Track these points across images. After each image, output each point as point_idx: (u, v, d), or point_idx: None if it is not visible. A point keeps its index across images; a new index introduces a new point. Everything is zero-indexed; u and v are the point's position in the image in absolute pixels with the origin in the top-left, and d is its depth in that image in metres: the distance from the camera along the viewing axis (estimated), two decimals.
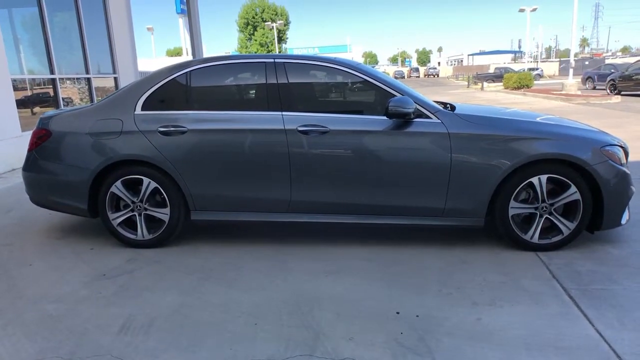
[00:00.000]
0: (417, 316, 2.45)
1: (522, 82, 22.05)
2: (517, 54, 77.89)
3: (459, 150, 3.14)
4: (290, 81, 3.35)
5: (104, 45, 9.98)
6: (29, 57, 7.77)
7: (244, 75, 3.52)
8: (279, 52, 43.64)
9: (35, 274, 3.15)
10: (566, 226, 3.19)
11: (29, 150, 3.62)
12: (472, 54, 74.93)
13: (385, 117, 3.16)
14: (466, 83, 33.81)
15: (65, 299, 2.79)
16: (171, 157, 3.34)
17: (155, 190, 3.40)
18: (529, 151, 3.10)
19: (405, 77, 66.23)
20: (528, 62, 51.55)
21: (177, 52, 54.01)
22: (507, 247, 3.31)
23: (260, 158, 3.28)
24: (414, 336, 2.26)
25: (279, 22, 39.62)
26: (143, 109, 3.43)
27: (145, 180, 3.39)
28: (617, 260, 3.05)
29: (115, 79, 10.33)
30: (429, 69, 68.00)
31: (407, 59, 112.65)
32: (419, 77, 66.10)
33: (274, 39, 41.48)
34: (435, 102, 4.14)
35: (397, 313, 2.49)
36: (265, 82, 3.36)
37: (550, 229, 3.24)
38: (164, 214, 3.44)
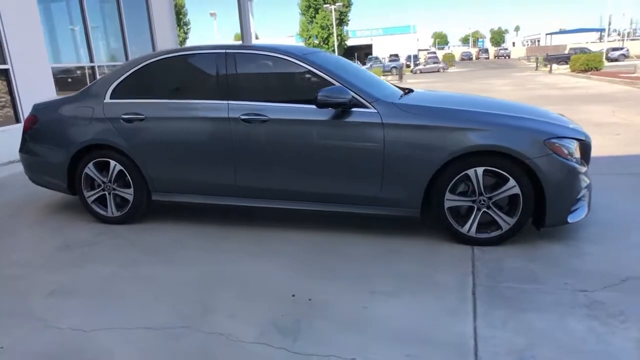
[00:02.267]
0: (310, 300, 2.56)
1: (590, 64, 20.33)
2: (603, 32, 71.37)
3: (392, 140, 3.14)
4: (237, 71, 3.50)
5: (145, 32, 10.57)
6: (68, 46, 8.50)
7: (198, 66, 3.72)
8: (338, 34, 43.41)
9: (16, 243, 3.62)
10: (505, 221, 3.10)
11: (23, 133, 4.10)
12: (551, 33, 69.69)
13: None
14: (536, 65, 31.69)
15: (28, 264, 3.20)
16: (132, 142, 3.64)
17: (121, 172, 3.73)
18: (464, 142, 3.03)
19: (473, 58, 63.23)
20: (616, 40, 47.04)
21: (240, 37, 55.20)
22: (446, 239, 3.27)
23: (207, 145, 3.49)
24: (292, 318, 2.38)
25: (338, 4, 39.28)
26: (111, 97, 3.76)
27: (112, 163, 3.73)
28: (553, 260, 2.92)
29: None
30: (500, 49, 64.33)
31: (479, 39, 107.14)
32: (487, 58, 62.72)
33: (335, 21, 41.29)
34: (400, 88, 4.12)
35: (293, 296, 2.61)
36: (215, 72, 3.54)
37: (490, 223, 3.16)
38: (129, 194, 3.77)
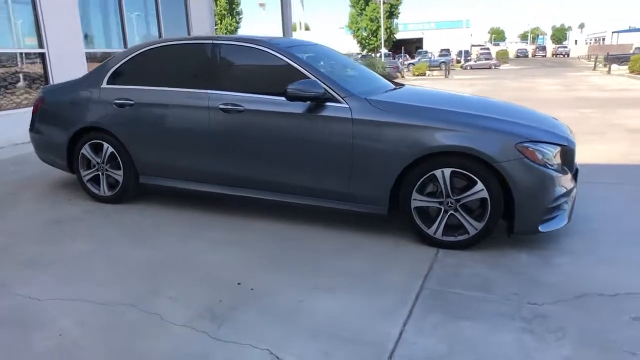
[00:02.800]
0: (252, 289, 2.61)
1: None
2: None
3: (361, 136, 3.12)
4: (220, 62, 3.58)
5: (181, 19, 10.82)
6: (103, 32, 8.91)
7: (185, 56, 3.82)
8: (387, 27, 42.76)
9: (13, 214, 3.89)
10: (472, 225, 3.00)
11: (32, 114, 4.38)
12: (618, 32, 65.29)
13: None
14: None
15: (18, 235, 3.46)
16: (122, 126, 3.81)
17: (113, 154, 3.92)
18: (430, 142, 2.96)
19: (530, 56, 60.36)
20: None
21: (293, 28, 55.52)
22: (415, 240, 3.21)
23: (189, 132, 3.60)
24: (228, 306, 2.44)
25: None
26: (107, 83, 3.95)
27: (105, 145, 3.93)
28: (515, 269, 2.81)
29: None
30: (558, 47, 60.95)
31: (540, 36, 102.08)
32: (544, 56, 59.65)
33: (384, 14, 40.68)
34: (394, 84, 4.06)
35: (239, 284, 2.67)
36: (200, 62, 3.64)
37: (457, 226, 3.07)
38: (119, 175, 3.96)
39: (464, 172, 2.93)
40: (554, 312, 2.32)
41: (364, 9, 44.34)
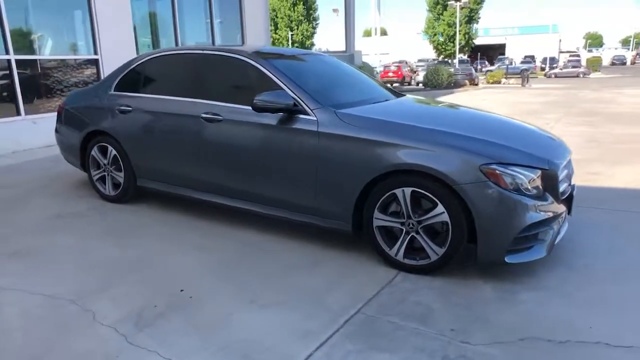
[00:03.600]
0: (191, 297, 2.65)
1: None
2: None
3: (326, 150, 3.04)
4: (205, 71, 3.69)
5: (235, 26, 11.21)
6: (157, 38, 9.50)
7: (176, 65, 3.96)
8: (465, 33, 41.20)
9: (26, 207, 4.27)
10: (433, 250, 2.81)
11: (57, 116, 4.78)
12: None
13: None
14: None
15: (18, 225, 3.81)
16: (122, 131, 4.06)
17: (115, 157, 4.18)
18: (389, 159, 2.82)
19: (628, 63, 54.99)
20: None
21: (368, 33, 55.63)
22: (379, 261, 3.06)
23: (176, 139, 3.73)
24: (159, 310, 2.50)
25: (463, 0, 37.13)
26: (115, 90, 4.22)
27: (109, 148, 4.20)
28: (470, 301, 2.58)
29: None
30: None
31: None
32: None
33: (463, 19, 39.33)
34: (395, 94, 3.95)
35: (181, 291, 2.72)
36: (188, 71, 3.78)
37: (420, 249, 2.89)
38: (120, 177, 4.21)
39: (425, 192, 2.76)
40: (483, 355, 2.11)
41: (442, 14, 43.18)
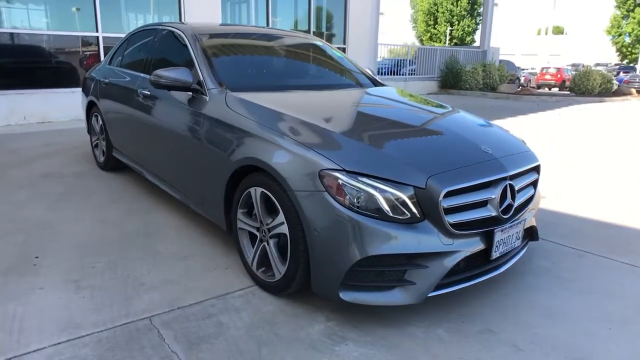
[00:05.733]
0: (35, 265, 2.63)
1: None
2: None
3: (207, 137, 2.72)
4: (157, 47, 3.61)
5: (339, 15, 10.96)
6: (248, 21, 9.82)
7: (141, 40, 3.93)
8: None
9: (27, 167, 4.73)
10: (277, 266, 2.30)
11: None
12: None
13: None
14: None
15: (4, 182, 4.23)
16: (102, 102, 4.26)
17: (102, 126, 4.42)
18: (244, 152, 2.38)
19: None
20: None
21: (537, 32, 50.12)
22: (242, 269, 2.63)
23: (128, 113, 3.75)
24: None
25: None
26: (108, 63, 4.45)
27: (99, 117, 4.45)
28: (340, 328, 2.05)
29: (344, 49, 11.36)
30: None
31: None
32: None
33: None
34: (376, 82, 3.50)
35: (37, 257, 2.72)
36: (145, 46, 3.77)
37: (269, 263, 2.39)
38: (104, 145, 4.44)
39: (270, 195, 2.26)
40: None
41: (632, 11, 36.43)
